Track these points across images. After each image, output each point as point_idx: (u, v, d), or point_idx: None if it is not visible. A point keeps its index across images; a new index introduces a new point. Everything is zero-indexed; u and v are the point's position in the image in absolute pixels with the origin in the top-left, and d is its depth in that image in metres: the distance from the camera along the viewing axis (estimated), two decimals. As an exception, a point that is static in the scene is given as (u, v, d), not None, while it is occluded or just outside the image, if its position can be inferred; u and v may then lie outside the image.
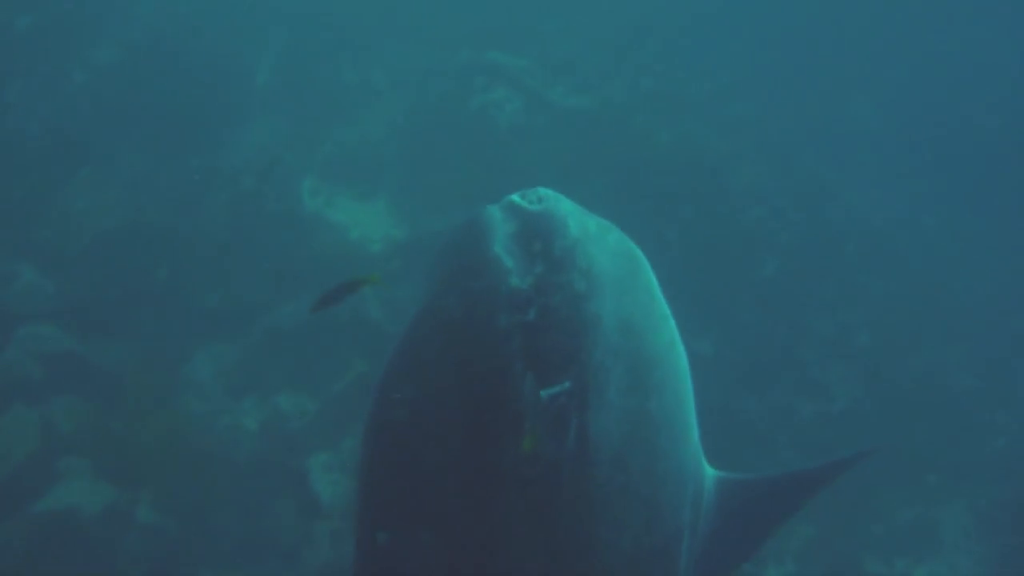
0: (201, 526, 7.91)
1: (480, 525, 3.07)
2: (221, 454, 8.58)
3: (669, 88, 13.64)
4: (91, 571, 7.45)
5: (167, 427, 8.45)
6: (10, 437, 8.04)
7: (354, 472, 8.70)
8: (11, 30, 11.37)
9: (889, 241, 12.40)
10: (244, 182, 10.82)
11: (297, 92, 13.03)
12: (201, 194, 10.59)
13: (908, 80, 15.53)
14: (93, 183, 10.06)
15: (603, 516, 3.10)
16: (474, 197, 10.53)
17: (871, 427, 9.86)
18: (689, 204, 11.08)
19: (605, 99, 12.95)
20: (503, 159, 11.20)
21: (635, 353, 3.17)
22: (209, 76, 11.76)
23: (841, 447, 9.12)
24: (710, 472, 3.53)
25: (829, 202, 12.62)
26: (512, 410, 2.99)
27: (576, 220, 3.22)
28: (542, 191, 3.24)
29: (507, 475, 3.01)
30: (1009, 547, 9.48)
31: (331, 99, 13.17)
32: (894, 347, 10.78)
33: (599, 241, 3.24)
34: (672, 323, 3.36)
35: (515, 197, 3.20)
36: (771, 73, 14.82)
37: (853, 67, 15.47)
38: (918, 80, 15.50)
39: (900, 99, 15.26)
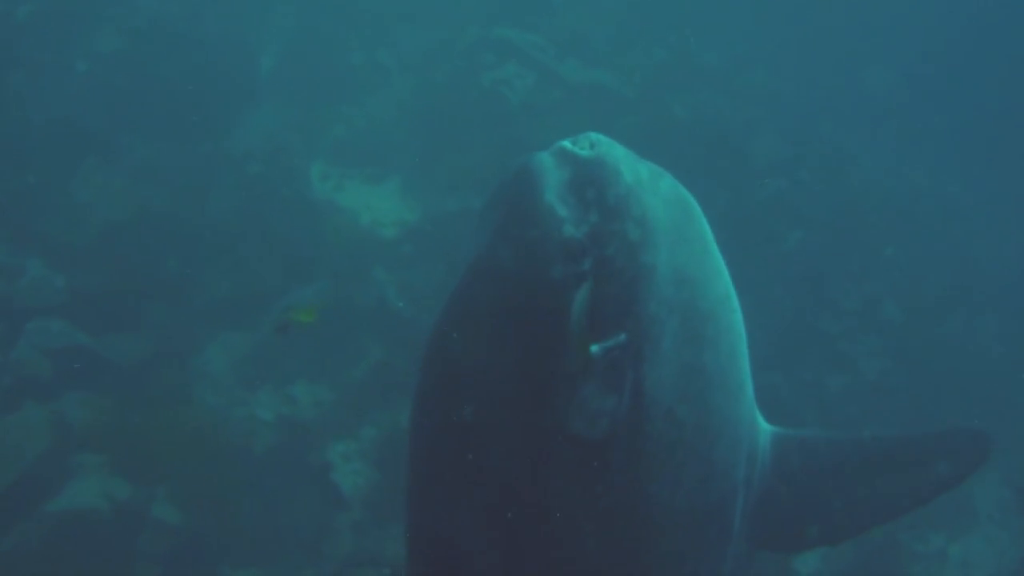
0: (218, 521, 7.73)
1: (533, 483, 2.99)
2: (237, 447, 8.38)
3: (683, 59, 13.38)
4: (108, 571, 7.29)
5: (181, 421, 8.27)
6: (22, 435, 7.85)
7: (376, 461, 8.58)
8: (11, 19, 11.16)
9: (912, 210, 12.18)
10: (252, 168, 10.61)
11: (304, 75, 12.83)
12: (209, 182, 10.39)
13: (925, 45, 15.26)
14: (99, 173, 9.85)
15: (657, 473, 3.05)
16: (488, 177, 10.36)
17: (901, 400, 9.64)
18: (707, 177, 10.80)
19: (618, 72, 12.69)
20: (516, 137, 10.97)
21: (689, 305, 3.07)
22: (214, 62, 11.55)
23: (870, 421, 8.92)
24: (766, 427, 3.45)
25: (850, 172, 12.38)
26: (568, 365, 2.90)
27: (629, 166, 3.11)
28: (593, 136, 3.11)
29: (562, 433, 2.93)
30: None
31: (339, 81, 12.98)
32: (921, 317, 10.57)
33: (652, 188, 3.15)
34: (726, 275, 3.27)
35: (566, 143, 3.08)
36: (785, 42, 14.61)
37: (869, 33, 15.21)
38: (935, 45, 15.23)
39: (917, 65, 15.02)
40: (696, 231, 3.23)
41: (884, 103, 14.42)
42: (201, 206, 10.02)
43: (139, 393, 8.43)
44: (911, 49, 15.14)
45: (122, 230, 9.53)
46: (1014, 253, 12.44)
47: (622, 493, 3.03)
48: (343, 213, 11.08)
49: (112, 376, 8.58)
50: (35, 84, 10.85)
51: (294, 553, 7.80)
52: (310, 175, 11.38)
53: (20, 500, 7.47)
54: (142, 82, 10.75)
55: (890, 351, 9.99)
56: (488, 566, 3.09)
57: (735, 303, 3.28)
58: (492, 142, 10.98)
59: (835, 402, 9.61)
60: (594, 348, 2.91)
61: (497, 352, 2.94)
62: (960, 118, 14.09)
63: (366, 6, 13.97)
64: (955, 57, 14.85)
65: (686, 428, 3.06)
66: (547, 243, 2.93)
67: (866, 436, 3.51)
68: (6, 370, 8.28)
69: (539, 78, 12.13)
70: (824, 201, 11.47)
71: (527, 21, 12.99)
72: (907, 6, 15.71)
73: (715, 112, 12.21)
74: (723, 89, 12.94)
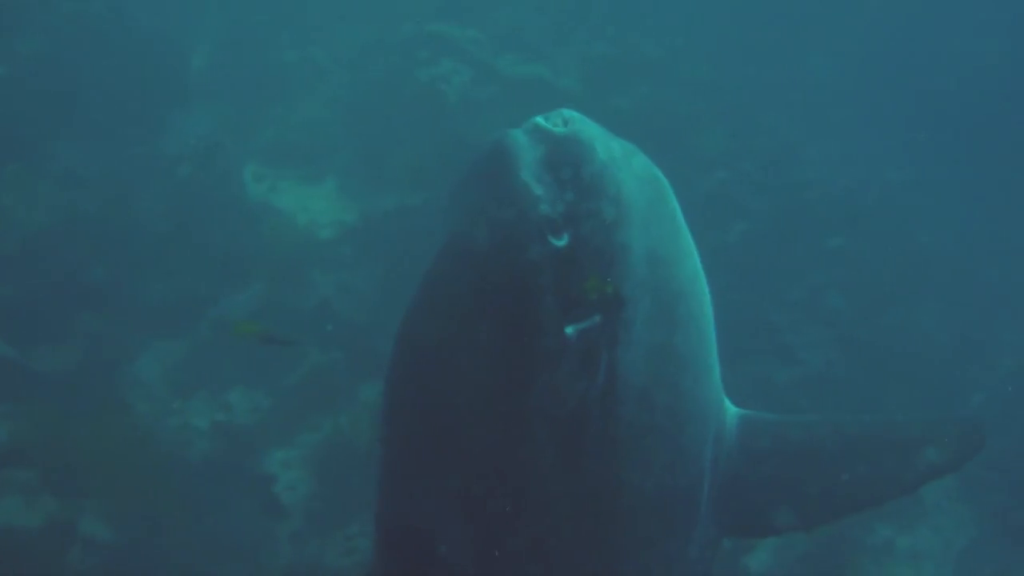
0: (152, 535, 7.48)
1: (506, 470, 2.97)
2: (171, 457, 8.14)
3: (622, 52, 13.24)
4: (35, 592, 7.02)
5: (112, 431, 7.98)
6: (-57, 452, 7.58)
7: (316, 468, 8.37)
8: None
9: (856, 199, 12.12)
10: (183, 170, 10.30)
11: (235, 75, 12.57)
12: (139, 185, 10.08)
13: (866, 35, 15.26)
14: (21, 179, 9.50)
15: (629, 457, 3.03)
16: (427, 175, 10.19)
17: (847, 390, 9.57)
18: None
19: (557, 66, 12.54)
20: (455, 133, 10.76)
21: (661, 285, 3.07)
22: (142, 62, 11.21)
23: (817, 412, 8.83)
24: (733, 410, 3.42)
25: (793, 162, 12.33)
26: (543, 347, 2.88)
27: (603, 143, 3.10)
28: (566, 112, 3.12)
29: (536, 415, 2.91)
30: (991, 506, 9.24)
31: (272, 80, 12.73)
32: (866, 307, 10.49)
33: (626, 166, 3.12)
34: (696, 254, 3.25)
35: (540, 119, 3.08)
36: (727, 32, 14.54)
37: (810, 23, 15.18)
38: (876, 34, 15.24)
39: (859, 54, 15.01)
40: (668, 209, 3.22)
41: (827, 93, 14.39)
42: (130, 210, 9.71)
43: (67, 404, 8.13)
44: (852, 37, 15.13)
45: (47, 237, 9.18)
46: (957, 241, 12.45)
47: (594, 478, 3.00)
48: (279, 215, 10.85)
49: (38, 388, 8.29)
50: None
51: (230, 565, 7.55)
52: (244, 176, 11.11)
53: (-58, 521, 7.18)
54: (66, 84, 10.38)
55: (835, 342, 9.90)
56: (459, 551, 3.06)
57: (704, 283, 3.27)
58: (430, 139, 10.77)
59: (781, 394, 9.51)
60: (569, 330, 2.88)
61: (472, 334, 2.89)
62: (903, 107, 14.10)
63: (299, 3, 13.72)
64: (897, 45, 14.86)
65: (657, 412, 3.04)
66: (524, 223, 2.90)
67: (846, 420, 3.48)
68: (-74, 384, 7.98)
69: (476, 73, 11.93)
70: (768, 192, 11.39)
71: (463, 16, 12.79)
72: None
73: (657, 104, 12.07)
74: (665, 81, 12.82)
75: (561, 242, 2.90)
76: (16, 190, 9.47)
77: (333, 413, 8.65)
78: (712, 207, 10.72)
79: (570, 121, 3.09)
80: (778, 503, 3.35)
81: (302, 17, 13.64)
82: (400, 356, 3.05)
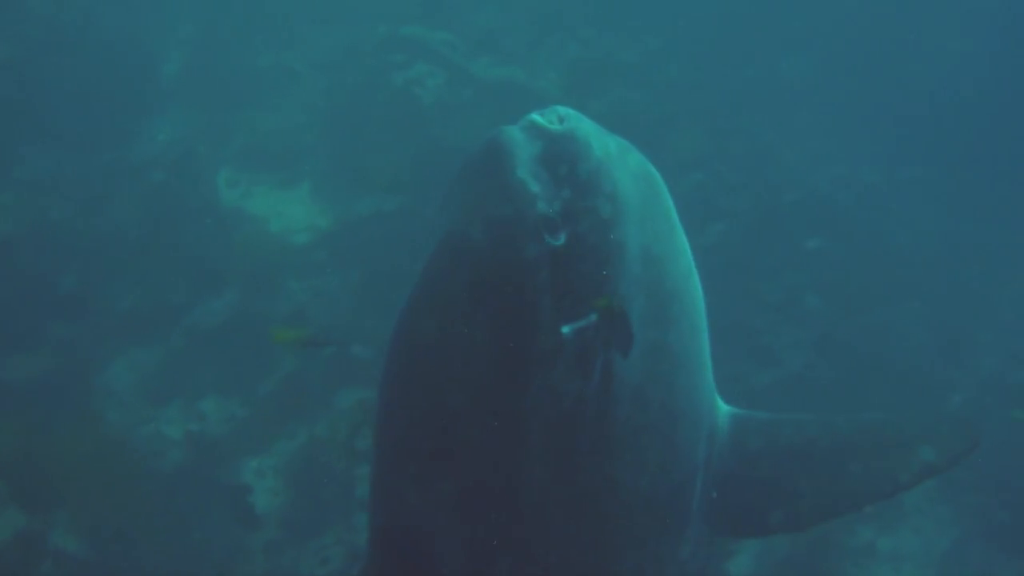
0: (123, 547, 7.37)
1: (501, 470, 2.94)
2: (144, 468, 8.05)
3: (598, 55, 13.20)
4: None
5: (84, 442, 7.91)
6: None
7: (291, 477, 8.28)
8: None
9: (832, 200, 12.09)
10: (154, 176, 10.22)
11: (209, 80, 12.42)
12: (111, 191, 9.97)
13: (840, 35, 15.24)
14: (-10, 185, 9.42)
15: (623, 457, 3.02)
16: (403, 179, 10.10)
17: (826, 391, 9.52)
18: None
19: (533, 69, 12.48)
20: (430, 137, 10.70)
21: (656, 284, 3.06)
22: (114, 68, 11.14)
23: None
24: (725, 408, 3.40)
25: (768, 164, 12.27)
26: (540, 347, 2.86)
27: (599, 140, 3.09)
28: (561, 109, 3.10)
29: (532, 415, 2.89)
30: (972, 507, 9.21)
31: (245, 85, 12.58)
32: (844, 308, 10.45)
33: (621, 163, 3.12)
34: (689, 252, 3.26)
35: (536, 116, 3.06)
36: (702, 35, 14.48)
37: (785, 25, 15.15)
38: (851, 35, 15.22)
39: (833, 55, 14.98)
40: (662, 207, 3.24)
41: (803, 94, 14.36)
42: (102, 217, 9.63)
43: (38, 414, 8.03)
44: (827, 38, 15.11)
45: (17, 244, 9.09)
46: (935, 241, 12.42)
47: (588, 478, 2.98)
48: (252, 221, 10.72)
49: (8, 397, 8.18)
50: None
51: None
52: (217, 182, 10.99)
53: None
54: (37, 90, 10.29)
55: (813, 343, 9.86)
56: (453, 551, 3.03)
57: (697, 281, 3.28)
58: (406, 143, 10.69)
59: (760, 396, 9.46)
60: (565, 329, 2.86)
61: (468, 333, 2.86)
62: (879, 107, 14.07)
63: (273, 8, 13.59)
64: (872, 45, 14.84)
65: (652, 411, 3.03)
66: (521, 221, 2.87)
67: (839, 419, 3.50)
68: None
69: (451, 76, 11.85)
70: (744, 194, 11.35)
71: (437, 19, 12.70)
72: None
73: (632, 107, 12.03)
74: (639, 84, 12.77)
75: (558, 241, 2.88)
76: (-15, 197, 9.38)
77: (309, 421, 8.55)
78: (689, 209, 10.62)
79: (566, 118, 3.06)
80: (771, 503, 3.34)
81: (276, 22, 13.51)
82: (396, 355, 3.04)
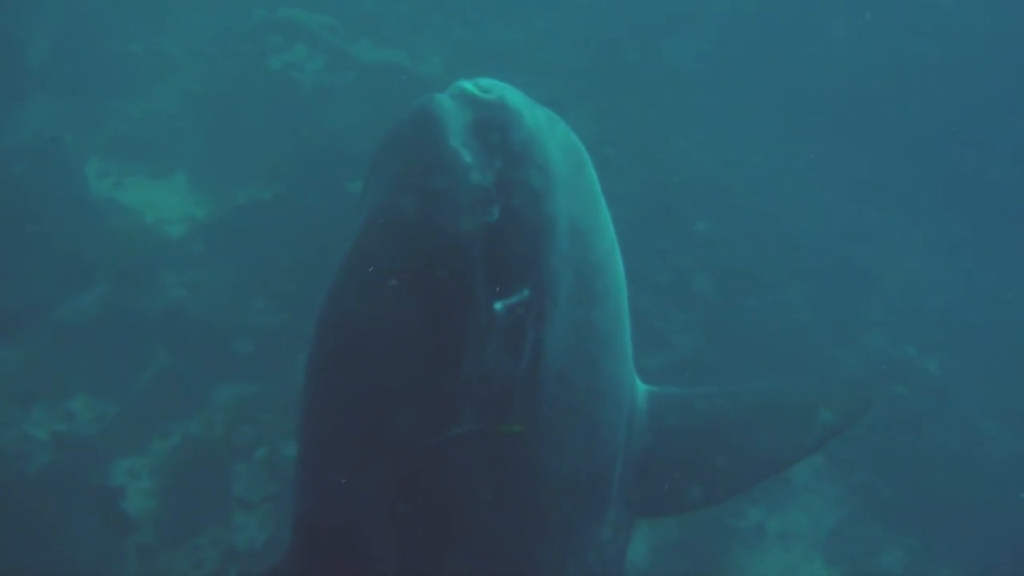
0: (-15, 556, 6.97)
1: (430, 455, 2.81)
2: (8, 471, 7.63)
3: (482, 37, 13.01)
4: None
5: (-58, 448, 7.48)
6: None
7: (166, 476, 7.93)
8: None
9: (720, 182, 12.10)
10: (18, 166, 9.73)
11: (77, 67, 11.93)
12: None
13: (727, 19, 15.29)
14: None
15: (547, 439, 2.92)
16: (281, 166, 9.77)
17: (716, 374, 9.48)
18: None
19: (415, 52, 12.23)
20: (310, 122, 10.40)
21: (582, 259, 2.96)
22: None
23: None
24: (642, 387, 3.33)
25: (657, 147, 12.23)
26: (473, 323, 2.74)
27: (528, 110, 3.00)
28: (484, 81, 3.01)
29: (462, 396, 2.76)
30: (859, 484, 9.26)
31: (116, 72, 12.15)
32: (732, 290, 10.43)
33: (550, 133, 3.03)
34: (612, 228, 3.14)
35: (466, 84, 2.96)
36: (588, 18, 14.40)
37: (673, 7, 15.15)
38: (738, 18, 15.28)
39: (720, 39, 15.03)
40: (588, 180, 3.13)
41: (691, 79, 14.37)
42: (-40, 210, 9.13)
43: None
44: (715, 23, 15.15)
45: None
46: (821, 221, 12.52)
47: (514, 461, 2.89)
48: (125, 212, 10.32)
49: None
50: None
51: (72, 584, 7.08)
52: (86, 172, 10.54)
53: None
54: None
55: (702, 326, 9.81)
56: (380, 537, 2.92)
57: (619, 257, 3.20)
58: (285, 128, 10.37)
59: (652, 380, 9.38)
60: (498, 305, 2.76)
61: (400, 311, 2.74)
62: (765, 92, 14.15)
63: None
64: (759, 31, 14.92)
65: (577, 391, 2.95)
66: (454, 192, 2.76)
67: (743, 389, 3.47)
68: None
69: (330, 60, 11.55)
70: (632, 177, 11.26)
71: (316, 2, 12.39)
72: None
73: (519, 90, 11.86)
74: (526, 67, 12.62)
75: (493, 216, 2.76)
76: None
77: (184, 418, 8.23)
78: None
79: (494, 87, 2.97)
80: (688, 478, 3.30)
81: (148, 4, 13.06)
82: (322, 337, 2.89)
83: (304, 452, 3.02)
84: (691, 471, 3.31)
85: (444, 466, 2.84)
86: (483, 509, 2.91)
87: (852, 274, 11.77)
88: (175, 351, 8.65)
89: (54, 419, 8.23)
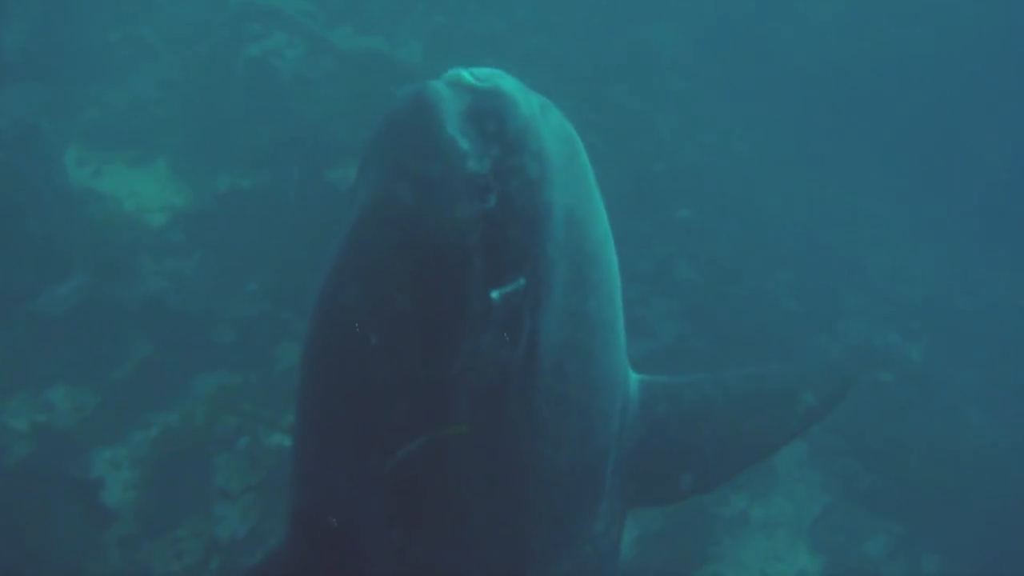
0: (-38, 550, 6.90)
1: (425, 447, 2.82)
2: (-13, 463, 7.55)
3: (463, 24, 12.93)
4: None
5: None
6: None
7: (147, 467, 7.86)
8: None
9: (702, 169, 12.10)
10: (-9, 155, 9.61)
11: (54, 54, 11.78)
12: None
13: (710, 5, 15.25)
14: None
15: (543, 430, 2.95)
16: (261, 154, 9.68)
17: (698, 361, 9.46)
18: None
19: (395, 39, 12.15)
20: (290, 110, 10.32)
21: (577, 248, 2.98)
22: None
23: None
24: (634, 376, 3.35)
25: (638, 134, 12.19)
26: (469, 312, 2.75)
27: (524, 97, 2.98)
28: (478, 70, 2.99)
29: (457, 386, 2.78)
30: (841, 471, 9.28)
31: (95, 60, 12.01)
32: (715, 277, 10.41)
33: (544, 121, 3.02)
34: (605, 216, 3.15)
35: (462, 71, 2.94)
36: (571, 5, 14.34)
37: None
38: (720, 4, 15.24)
39: (703, 25, 14.99)
40: (582, 168, 3.15)
41: (671, 65, 14.33)
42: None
43: None
44: (695, 9, 15.10)
45: None
46: (803, 207, 12.53)
47: (509, 453, 2.92)
48: (104, 201, 10.21)
49: None
50: None
51: (53, 577, 7.02)
52: (64, 161, 10.43)
53: None
54: None
55: (685, 313, 9.78)
56: (377, 528, 2.94)
57: (613, 246, 3.21)
58: (264, 116, 10.30)
59: (636, 368, 9.35)
60: (494, 294, 2.77)
61: (396, 299, 2.75)
62: (747, 78, 14.12)
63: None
64: (739, 15, 14.88)
65: (571, 381, 2.97)
66: (451, 179, 2.76)
67: (729, 375, 3.52)
68: None
69: (310, 47, 11.43)
70: (614, 164, 11.21)
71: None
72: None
73: (500, 78, 11.80)
74: (507, 54, 12.55)
75: (489, 203, 2.77)
76: None
77: (164, 408, 8.17)
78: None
79: (490, 75, 2.96)
80: (680, 466, 3.36)
81: (125, -7, 12.93)
82: (319, 326, 2.91)
83: (300, 443, 3.05)
84: (682, 459, 3.37)
85: (439, 457, 2.85)
86: (478, 501, 2.93)
87: (836, 261, 11.79)
88: (155, 340, 8.58)
89: (33, 409, 8.15)
